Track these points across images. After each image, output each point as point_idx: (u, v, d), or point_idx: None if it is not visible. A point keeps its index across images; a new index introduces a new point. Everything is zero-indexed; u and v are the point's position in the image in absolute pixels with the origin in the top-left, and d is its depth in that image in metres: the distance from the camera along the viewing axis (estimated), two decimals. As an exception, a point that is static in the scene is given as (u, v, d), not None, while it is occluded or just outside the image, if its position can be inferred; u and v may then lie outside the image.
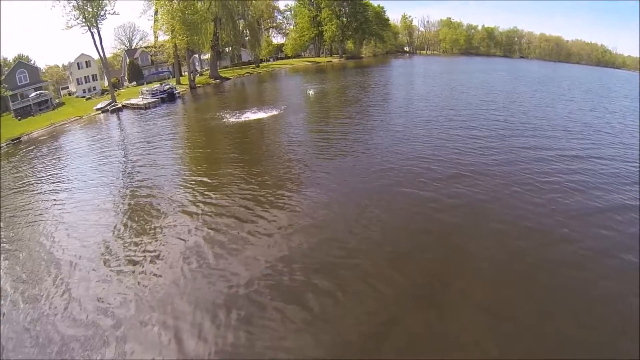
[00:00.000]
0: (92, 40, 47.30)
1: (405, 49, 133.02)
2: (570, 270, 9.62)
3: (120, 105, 45.24)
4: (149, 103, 42.82)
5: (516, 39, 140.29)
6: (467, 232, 11.63)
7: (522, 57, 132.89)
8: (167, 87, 47.63)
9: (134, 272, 11.41)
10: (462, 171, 16.27)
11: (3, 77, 55.02)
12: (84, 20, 45.92)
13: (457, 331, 8.01)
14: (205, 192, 16.66)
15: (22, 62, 60.30)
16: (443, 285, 9.46)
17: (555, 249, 10.51)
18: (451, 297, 9.03)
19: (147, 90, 45.61)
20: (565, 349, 7.45)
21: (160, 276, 10.98)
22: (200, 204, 15.44)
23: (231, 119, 30.29)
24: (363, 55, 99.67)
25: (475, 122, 24.94)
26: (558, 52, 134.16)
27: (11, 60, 63.49)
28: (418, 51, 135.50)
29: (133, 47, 77.85)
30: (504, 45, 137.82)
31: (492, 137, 21.35)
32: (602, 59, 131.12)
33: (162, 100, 44.87)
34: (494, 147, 19.53)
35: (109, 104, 45.75)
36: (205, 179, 18.40)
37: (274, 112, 31.73)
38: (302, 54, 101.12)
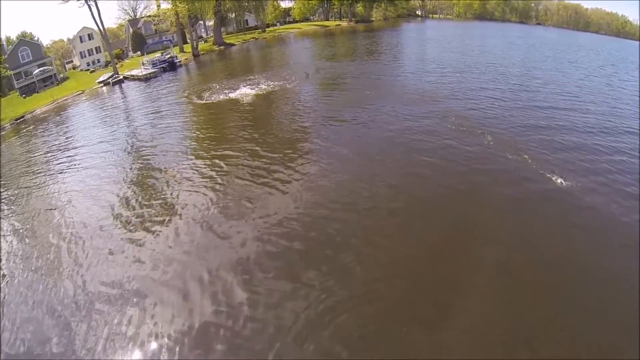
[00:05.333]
0: (90, 13, 45.83)
1: (417, 12, 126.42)
2: (548, 202, 10.90)
3: (121, 77, 43.99)
4: (149, 74, 41.29)
5: (533, 4, 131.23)
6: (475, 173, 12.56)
7: (538, 24, 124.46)
8: (168, 56, 45.83)
9: (155, 224, 11.73)
10: (470, 128, 16.36)
11: (5, 56, 54.38)
12: (80, -8, 44.41)
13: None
14: (217, 149, 16.86)
15: (24, 40, 59.27)
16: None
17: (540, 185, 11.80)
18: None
19: (147, 61, 44.02)
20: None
21: (184, 225, 11.34)
22: (214, 164, 15.44)
23: (233, 89, 28.58)
24: (373, 19, 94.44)
25: (485, 86, 24.14)
26: (577, 20, 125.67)
27: (14, 38, 62.67)
28: (430, 15, 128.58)
29: (138, 17, 75.71)
30: (520, 11, 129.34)
31: (503, 99, 21.18)
32: (622, 30, 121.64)
33: (164, 70, 43.25)
34: (502, 107, 19.50)
35: (110, 77, 44.52)
36: (213, 139, 18.48)
37: (280, 79, 29.91)
38: (311, 17, 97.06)
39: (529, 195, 11.20)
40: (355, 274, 8.52)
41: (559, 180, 11.77)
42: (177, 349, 7.27)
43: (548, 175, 12.13)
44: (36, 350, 7.96)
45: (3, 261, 11.72)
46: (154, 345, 7.45)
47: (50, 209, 14.65)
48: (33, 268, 10.95)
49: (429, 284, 8.18)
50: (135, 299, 8.70)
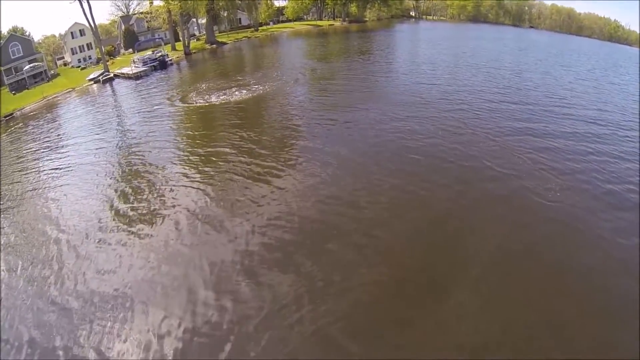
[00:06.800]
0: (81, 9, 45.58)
1: (411, 13, 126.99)
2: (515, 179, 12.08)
3: (112, 74, 43.74)
4: (140, 72, 41.14)
5: (526, 8, 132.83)
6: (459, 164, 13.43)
7: (532, 27, 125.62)
8: (159, 54, 45.63)
9: (153, 218, 11.86)
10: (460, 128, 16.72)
11: (-5, 53, 53.74)
12: (71, -12, 44.15)
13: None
14: (209, 148, 17.03)
15: (14, 35, 58.58)
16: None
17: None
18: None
19: (138, 59, 43.78)
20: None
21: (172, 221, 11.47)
22: (208, 160, 15.62)
23: (223, 89, 28.48)
24: (367, 19, 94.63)
25: (476, 88, 24.34)
26: (569, 24, 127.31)
27: (5, 33, 61.88)
28: (424, 16, 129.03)
29: (130, 13, 75.10)
30: (514, 14, 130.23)
31: (492, 100, 21.41)
32: (615, 35, 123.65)
33: (154, 69, 43.04)
34: (491, 108, 19.76)
35: (101, 74, 44.28)
36: (205, 138, 18.59)
37: (272, 79, 29.87)
38: (304, 17, 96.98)
39: (517, 194, 11.44)
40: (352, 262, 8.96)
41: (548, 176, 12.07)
42: (182, 345, 7.29)
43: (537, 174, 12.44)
44: (35, 353, 7.94)
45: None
46: (157, 343, 7.43)
47: (45, 205, 14.74)
48: (29, 266, 10.94)
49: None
50: (137, 295, 8.73)
